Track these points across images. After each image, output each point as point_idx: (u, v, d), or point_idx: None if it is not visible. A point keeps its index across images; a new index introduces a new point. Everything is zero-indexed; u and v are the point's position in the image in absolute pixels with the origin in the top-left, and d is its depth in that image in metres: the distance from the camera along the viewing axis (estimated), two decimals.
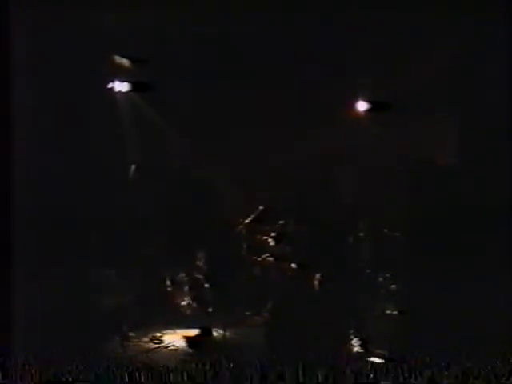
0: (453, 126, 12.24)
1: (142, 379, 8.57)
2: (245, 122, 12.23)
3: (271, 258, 12.10)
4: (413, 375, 8.45)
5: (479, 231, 11.25)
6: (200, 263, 12.00)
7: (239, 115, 12.13)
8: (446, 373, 8.42)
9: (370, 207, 12.13)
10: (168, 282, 12.00)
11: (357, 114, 12.27)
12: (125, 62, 11.95)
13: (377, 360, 9.34)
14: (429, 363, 8.63)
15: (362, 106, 12.21)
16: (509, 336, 9.58)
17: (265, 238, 12.23)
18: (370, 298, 11.42)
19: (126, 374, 8.51)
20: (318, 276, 11.45)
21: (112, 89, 12.08)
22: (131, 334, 10.96)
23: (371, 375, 8.65)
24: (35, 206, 10.90)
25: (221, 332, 10.86)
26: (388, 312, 11.35)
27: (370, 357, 9.58)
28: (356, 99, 12.20)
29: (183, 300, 11.88)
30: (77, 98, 11.55)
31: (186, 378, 8.63)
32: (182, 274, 11.97)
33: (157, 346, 10.77)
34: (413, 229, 11.80)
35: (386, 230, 11.98)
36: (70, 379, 8.59)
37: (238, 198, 12.65)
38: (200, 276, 11.91)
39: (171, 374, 8.67)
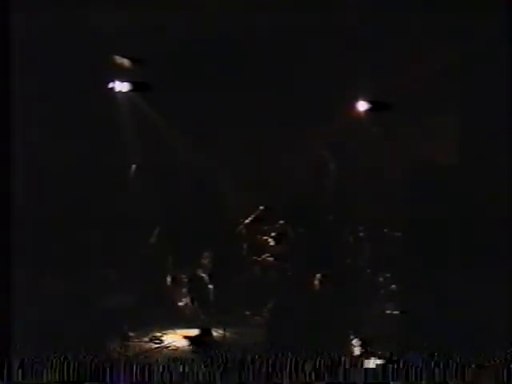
0: (453, 125, 12.24)
1: None
2: (245, 122, 12.24)
3: (271, 258, 12.11)
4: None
5: (479, 231, 11.24)
6: (200, 263, 12.01)
7: (239, 115, 12.14)
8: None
9: (370, 207, 12.13)
10: (167, 282, 12.01)
11: (357, 114, 12.27)
12: (125, 61, 11.95)
13: (377, 360, 9.34)
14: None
15: (362, 105, 12.21)
16: (508, 335, 9.59)
17: (265, 238, 12.24)
18: (370, 298, 11.42)
19: None
20: (318, 276, 11.45)
21: (112, 89, 12.09)
22: (131, 333, 10.97)
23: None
24: (35, 207, 10.90)
25: (221, 332, 10.86)
26: (388, 312, 11.36)
27: (370, 357, 9.57)
28: (356, 99, 12.21)
29: (182, 300, 11.89)
30: (77, 98, 11.58)
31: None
32: (182, 274, 11.98)
33: (157, 346, 10.78)
34: (413, 229, 11.79)
35: (386, 230, 11.99)
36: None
37: (239, 198, 12.66)
38: (200, 276, 11.92)
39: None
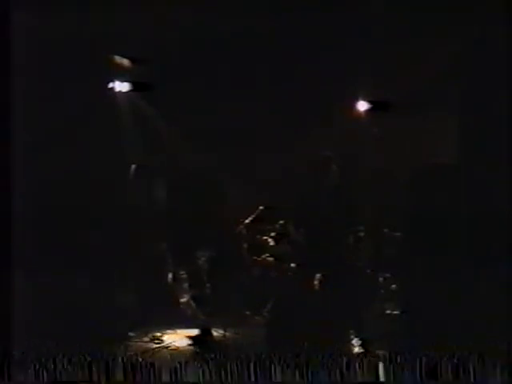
0: (453, 125, 12.24)
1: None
2: (245, 122, 12.23)
3: (271, 258, 12.11)
4: None
5: (479, 231, 11.25)
6: (200, 263, 12.01)
7: (239, 115, 12.13)
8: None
9: (370, 207, 12.13)
10: (168, 282, 12.01)
11: (357, 114, 12.26)
12: (125, 61, 11.95)
13: (377, 361, 9.34)
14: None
15: (362, 105, 12.21)
16: (508, 335, 9.59)
17: (265, 238, 12.23)
18: (370, 298, 11.42)
19: None
20: (318, 276, 11.46)
21: (112, 89, 12.08)
22: (131, 333, 10.96)
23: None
24: (35, 207, 10.92)
25: (221, 332, 10.86)
26: (388, 312, 11.35)
27: (370, 357, 9.57)
28: (356, 99, 12.19)
29: (183, 299, 11.89)
30: (77, 98, 11.59)
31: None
32: (182, 274, 11.97)
33: (157, 345, 10.77)
34: (413, 229, 11.80)
35: (386, 230, 11.99)
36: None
37: (239, 198, 12.65)
38: (200, 276, 11.91)
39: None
